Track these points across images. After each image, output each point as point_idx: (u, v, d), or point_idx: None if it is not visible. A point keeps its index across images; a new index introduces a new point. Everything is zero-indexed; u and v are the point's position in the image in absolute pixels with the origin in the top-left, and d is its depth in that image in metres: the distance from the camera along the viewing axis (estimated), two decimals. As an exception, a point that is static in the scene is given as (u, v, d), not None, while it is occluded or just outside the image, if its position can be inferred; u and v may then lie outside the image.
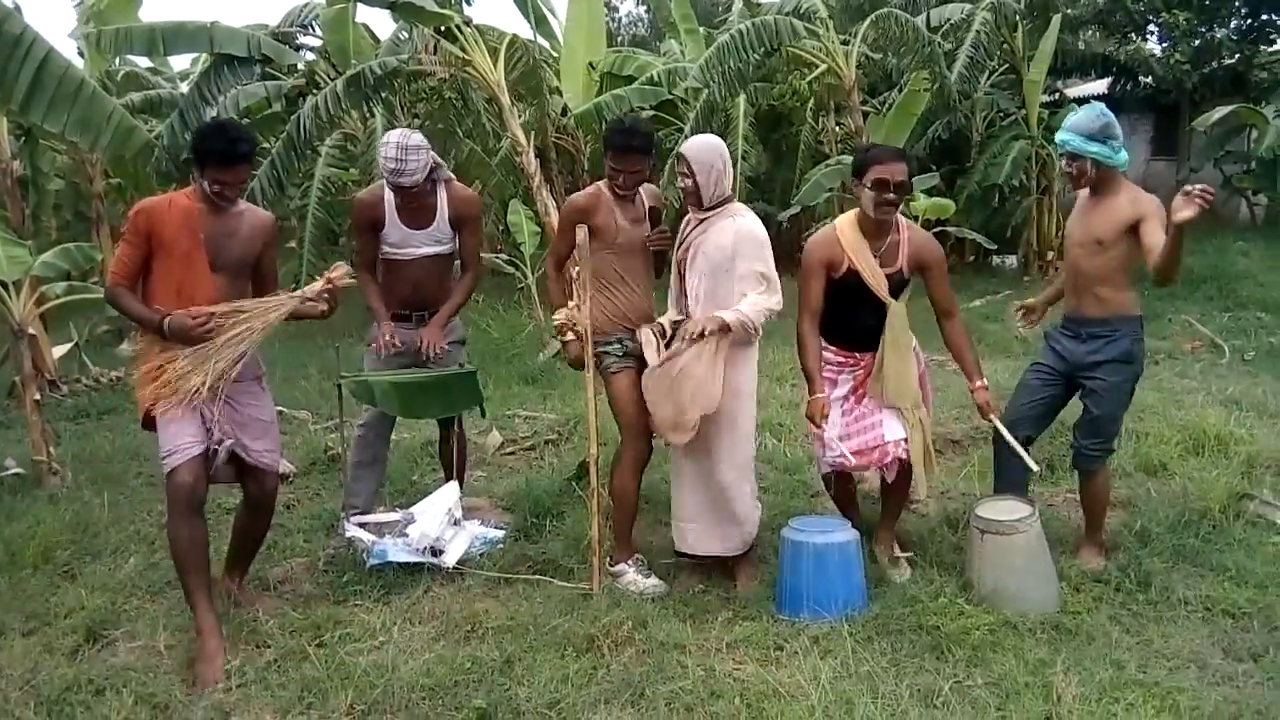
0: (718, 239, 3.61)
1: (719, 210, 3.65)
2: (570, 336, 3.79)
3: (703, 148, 3.67)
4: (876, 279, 3.66)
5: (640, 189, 3.89)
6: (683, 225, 3.78)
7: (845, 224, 3.73)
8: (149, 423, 3.46)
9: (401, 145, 3.84)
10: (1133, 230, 3.55)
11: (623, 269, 3.88)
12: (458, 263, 4.33)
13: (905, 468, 3.78)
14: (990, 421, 3.82)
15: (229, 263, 3.49)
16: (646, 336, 3.76)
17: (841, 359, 3.81)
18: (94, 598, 3.75)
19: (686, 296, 3.76)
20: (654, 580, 3.82)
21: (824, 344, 3.82)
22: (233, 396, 3.49)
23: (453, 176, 4.24)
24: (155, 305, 3.39)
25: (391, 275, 4.17)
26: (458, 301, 4.22)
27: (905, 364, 3.73)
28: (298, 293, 3.61)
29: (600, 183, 3.92)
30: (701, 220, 3.67)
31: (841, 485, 4.04)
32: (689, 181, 3.61)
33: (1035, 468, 3.70)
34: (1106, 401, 3.74)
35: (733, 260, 3.58)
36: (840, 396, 3.81)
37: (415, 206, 4.05)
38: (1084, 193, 3.77)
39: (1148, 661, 3.16)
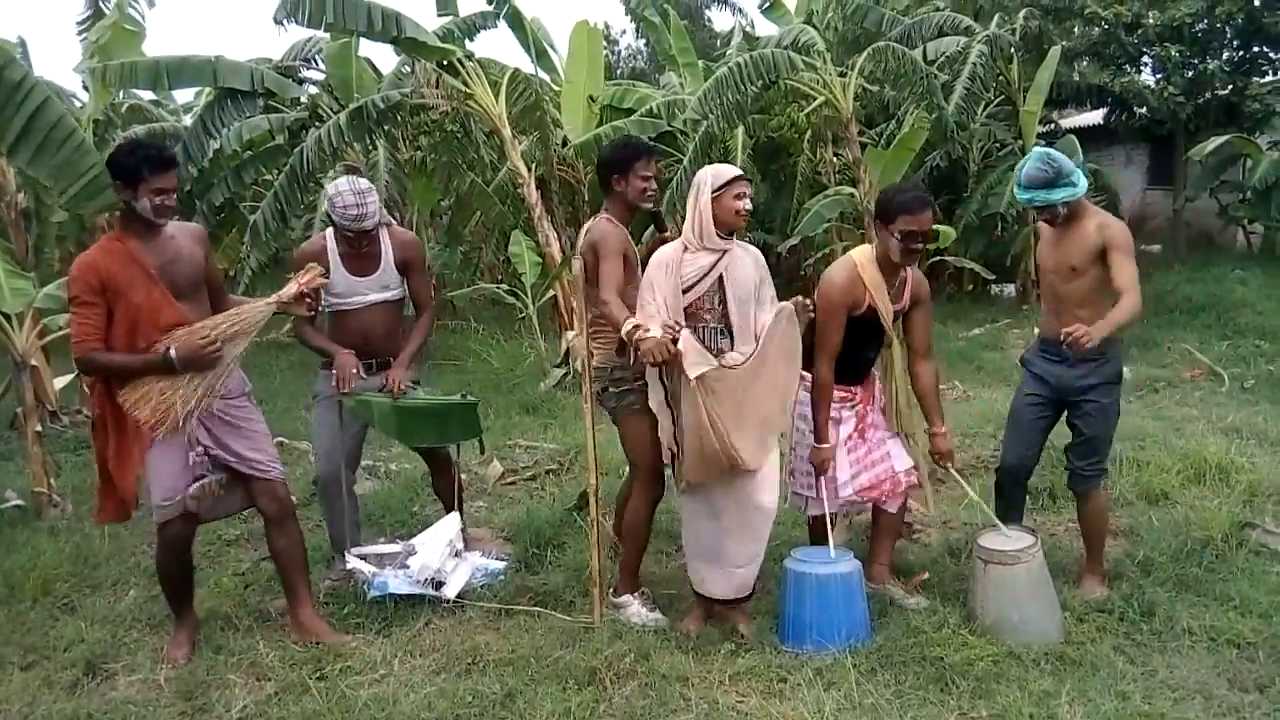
0: (744, 269, 3.56)
1: (732, 239, 3.59)
2: (652, 331, 3.38)
3: None
4: (888, 315, 3.70)
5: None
6: (677, 260, 3.53)
7: (864, 260, 3.69)
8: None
9: (357, 190, 3.89)
10: (1103, 256, 3.62)
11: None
12: (409, 310, 4.29)
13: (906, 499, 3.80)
14: (945, 468, 3.86)
15: (185, 285, 3.45)
16: (689, 341, 3.37)
17: (844, 394, 3.80)
18: (93, 630, 3.74)
19: (701, 331, 3.50)
20: (658, 614, 3.80)
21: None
22: (224, 412, 3.51)
23: (393, 221, 4.24)
24: (137, 352, 3.34)
25: (339, 327, 4.10)
26: (418, 342, 4.21)
27: (906, 393, 3.77)
28: (273, 297, 3.58)
29: (607, 215, 3.85)
30: (726, 250, 3.53)
31: (822, 528, 4.02)
32: (749, 203, 3.56)
33: (1000, 526, 3.71)
34: (1100, 423, 3.78)
35: (760, 287, 3.59)
36: (847, 435, 3.80)
37: (362, 254, 4.03)
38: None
39: (1153, 692, 3.14)
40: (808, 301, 3.58)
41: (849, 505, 3.84)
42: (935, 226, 9.52)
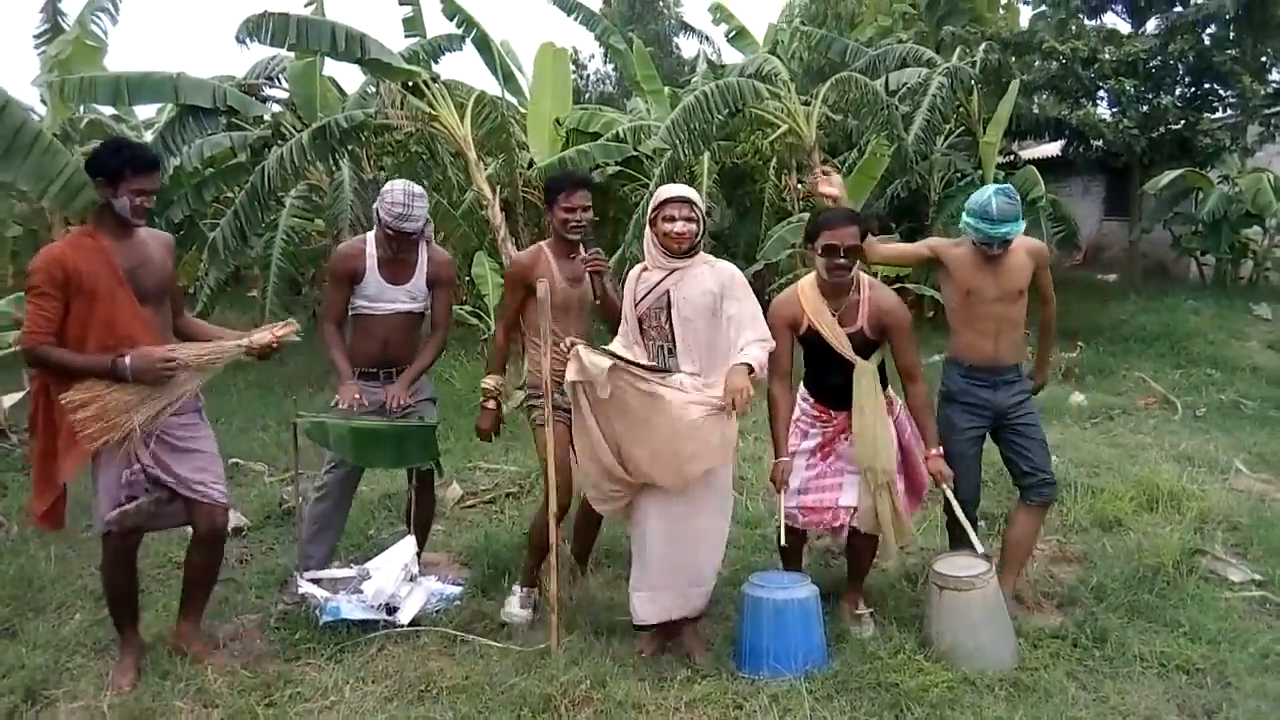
0: (700, 285, 3.55)
1: (694, 258, 3.61)
2: (490, 405, 4.03)
3: (694, 193, 3.66)
4: (837, 338, 3.69)
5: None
6: (636, 277, 3.68)
7: (806, 284, 3.77)
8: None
9: (408, 192, 4.00)
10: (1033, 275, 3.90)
11: (559, 327, 3.90)
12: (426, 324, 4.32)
13: (861, 534, 3.78)
14: (943, 490, 3.82)
15: (151, 292, 3.41)
16: (582, 352, 3.45)
17: (817, 413, 3.82)
18: (34, 656, 3.64)
19: (649, 348, 3.62)
20: (526, 614, 3.96)
21: (805, 394, 3.87)
22: (169, 430, 3.43)
23: (432, 238, 4.29)
24: (87, 352, 3.27)
25: (362, 331, 4.17)
26: (426, 360, 4.23)
27: (876, 426, 3.68)
28: (244, 342, 3.56)
29: (542, 243, 4.06)
30: (674, 270, 3.60)
31: (791, 540, 4.02)
32: (693, 225, 3.55)
33: (981, 548, 3.71)
34: (1038, 429, 3.96)
35: (720, 303, 3.55)
36: (807, 449, 3.81)
37: (399, 260, 4.10)
38: (968, 250, 3.86)
39: (1105, 718, 3.17)
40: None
41: (791, 518, 3.79)
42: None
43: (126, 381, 3.27)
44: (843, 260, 3.62)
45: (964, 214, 3.83)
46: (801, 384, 3.91)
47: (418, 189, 4.07)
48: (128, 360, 3.25)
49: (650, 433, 3.41)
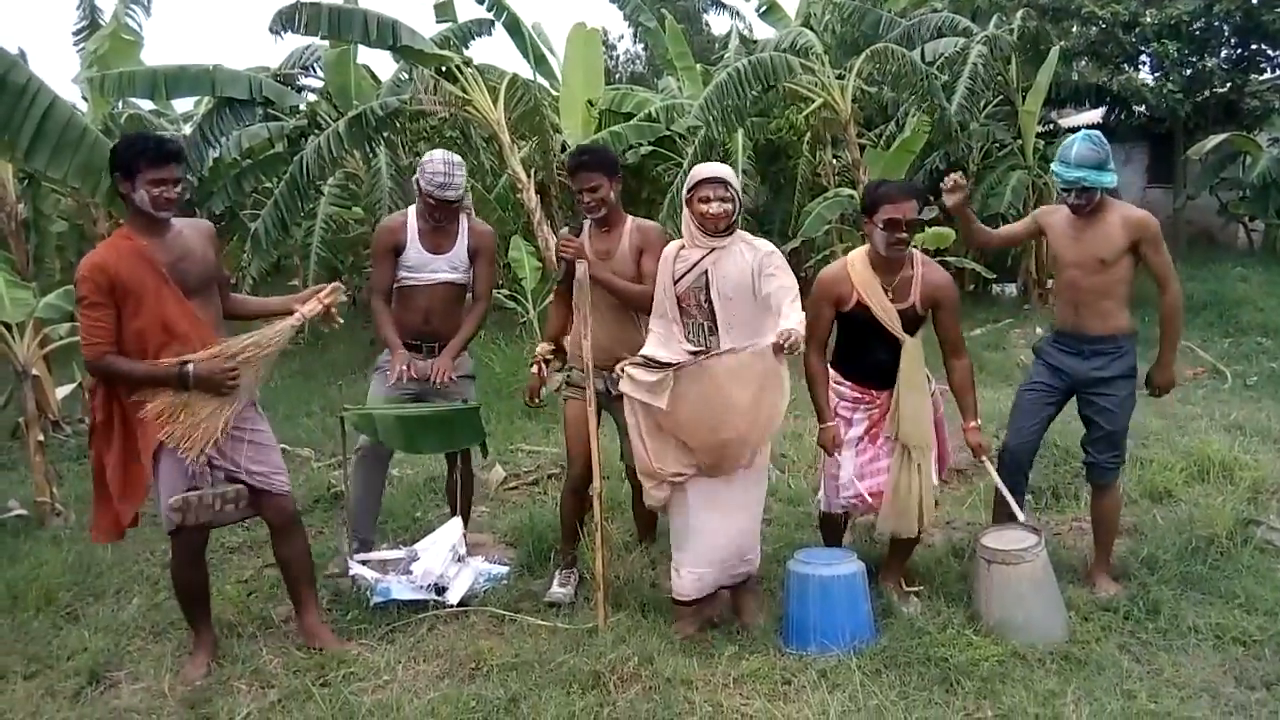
0: (739, 263, 3.54)
1: (733, 236, 3.59)
2: (534, 368, 4.14)
3: (730, 171, 3.64)
4: (888, 314, 3.63)
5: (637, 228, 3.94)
6: (674, 255, 3.66)
7: (857, 258, 3.70)
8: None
9: (448, 160, 4.09)
10: (1133, 248, 3.68)
11: (583, 302, 3.93)
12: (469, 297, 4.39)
13: None
14: (982, 462, 3.83)
15: (197, 284, 3.38)
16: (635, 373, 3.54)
17: (857, 394, 3.76)
18: (97, 639, 3.73)
19: (688, 326, 3.62)
20: (565, 590, 4.00)
21: (839, 378, 3.80)
22: (233, 425, 3.45)
23: (472, 210, 4.34)
24: (146, 357, 3.26)
25: (405, 304, 4.23)
26: (468, 332, 4.28)
27: (921, 402, 3.68)
28: (296, 316, 3.56)
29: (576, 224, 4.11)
30: (713, 249, 3.57)
31: (834, 524, 4.02)
32: (729, 205, 3.52)
33: (1022, 517, 3.69)
34: (1119, 416, 3.81)
35: (759, 280, 3.53)
36: (855, 437, 3.77)
37: (440, 229, 4.17)
38: (1065, 214, 3.79)
39: (1159, 691, 3.13)
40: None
41: (851, 506, 3.80)
42: (939, 228, 9.59)
43: (190, 388, 3.27)
44: (904, 234, 3.57)
45: (1055, 159, 3.80)
46: (831, 368, 3.84)
47: (456, 158, 4.13)
48: (191, 369, 3.24)
49: (714, 412, 3.43)
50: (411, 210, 4.26)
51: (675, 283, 3.64)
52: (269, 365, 3.54)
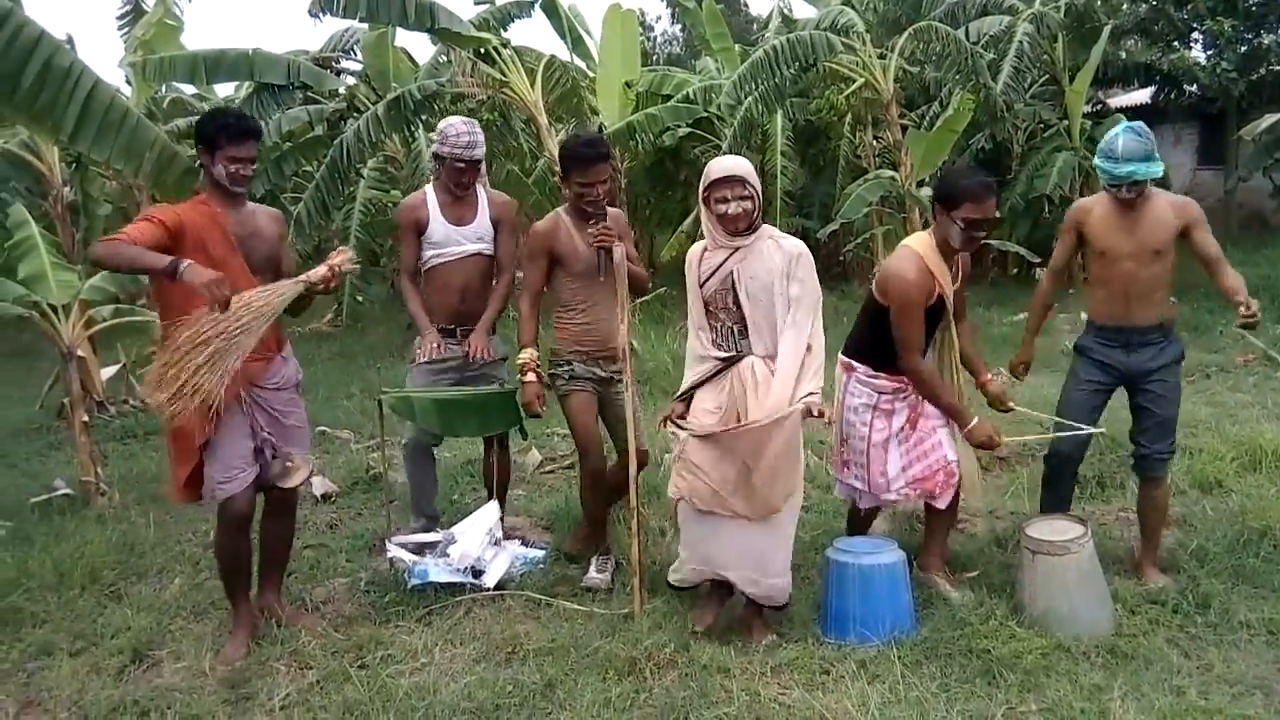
0: (765, 262, 3.40)
1: (756, 233, 3.45)
2: (530, 378, 3.90)
3: (747, 166, 3.47)
4: (951, 297, 3.62)
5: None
6: (698, 258, 3.53)
7: (927, 250, 3.57)
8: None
9: (468, 121, 4.20)
10: (1181, 236, 3.63)
11: (583, 294, 3.93)
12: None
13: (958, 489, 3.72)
14: (1010, 409, 3.80)
15: (260, 264, 3.49)
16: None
17: (897, 384, 3.68)
18: (140, 618, 3.78)
19: (717, 331, 3.52)
20: (604, 576, 3.97)
21: (873, 372, 3.69)
22: (276, 405, 3.53)
23: (487, 180, 4.35)
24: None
25: (435, 284, 4.21)
26: (497, 306, 4.28)
27: (961, 379, 3.73)
28: (302, 277, 3.51)
29: (559, 209, 4.01)
30: (737, 248, 3.43)
31: (863, 515, 3.97)
32: (748, 204, 3.37)
33: (1100, 430, 3.73)
34: (1170, 403, 3.74)
35: (784, 280, 3.39)
36: (899, 427, 3.70)
37: (462, 201, 4.19)
38: (1106, 207, 3.69)
39: (1209, 687, 3.05)
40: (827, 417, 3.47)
41: (902, 499, 3.75)
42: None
43: (172, 280, 3.07)
44: (983, 233, 3.52)
45: (1095, 155, 3.71)
46: (861, 364, 3.72)
47: (471, 120, 4.24)
48: (182, 266, 3.04)
49: (743, 469, 3.34)
50: (429, 187, 4.28)
51: (701, 286, 3.51)
52: (267, 319, 3.35)
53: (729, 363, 3.48)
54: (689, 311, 3.63)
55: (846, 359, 3.80)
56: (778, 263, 3.41)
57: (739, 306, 3.45)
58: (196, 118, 11.05)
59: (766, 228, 3.51)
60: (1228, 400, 6.40)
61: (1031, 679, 3.10)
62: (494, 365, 4.24)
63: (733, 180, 3.37)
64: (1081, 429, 3.66)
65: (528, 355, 3.92)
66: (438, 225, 4.17)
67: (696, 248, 3.58)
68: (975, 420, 3.62)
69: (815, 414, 3.32)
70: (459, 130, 4.11)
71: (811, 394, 3.34)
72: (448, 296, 4.19)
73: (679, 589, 3.66)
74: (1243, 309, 3.44)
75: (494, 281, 4.33)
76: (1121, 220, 3.65)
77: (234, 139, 3.36)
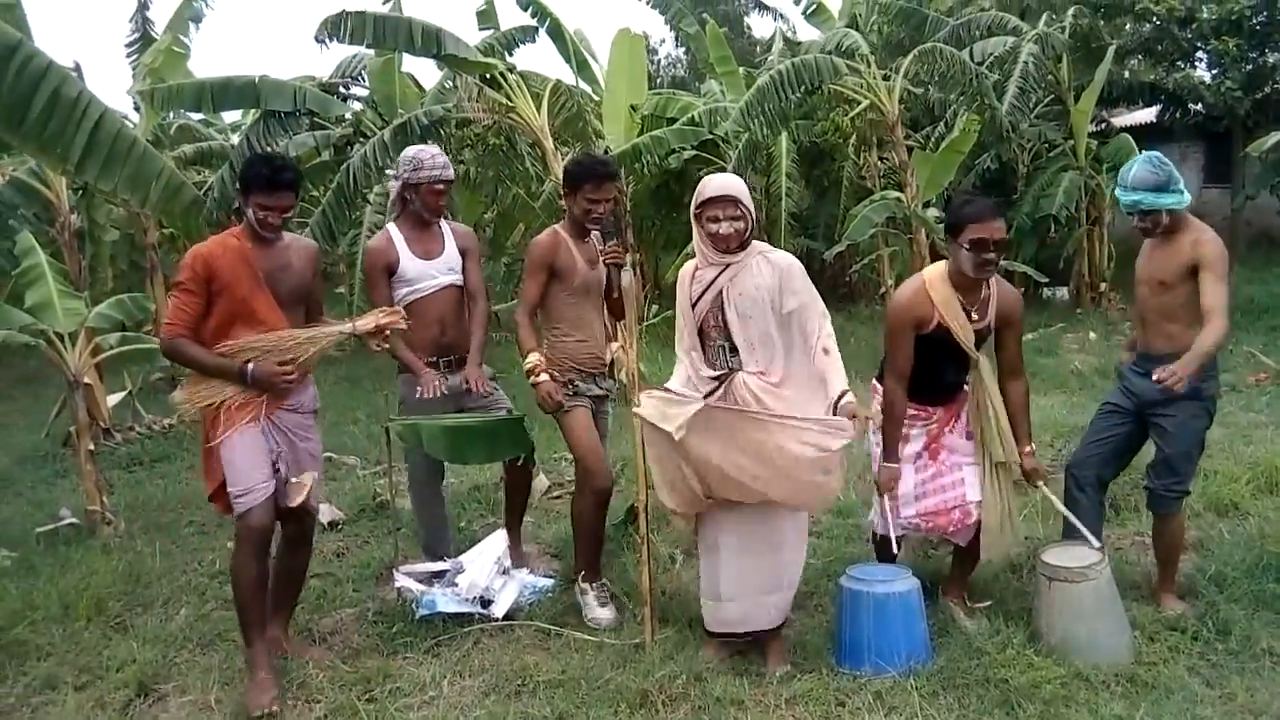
0: (755, 279, 3.37)
1: (746, 250, 3.42)
2: (543, 378, 3.82)
3: (740, 185, 3.43)
4: (965, 333, 3.51)
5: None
6: (690, 277, 3.49)
7: (935, 278, 3.55)
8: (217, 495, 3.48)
9: (431, 150, 4.19)
10: (1194, 272, 3.50)
11: (578, 311, 3.94)
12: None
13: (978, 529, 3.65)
14: (1039, 488, 3.71)
15: (287, 295, 3.54)
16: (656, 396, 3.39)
17: (917, 412, 3.64)
18: (145, 650, 3.74)
19: (709, 351, 3.47)
20: (608, 612, 3.84)
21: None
22: (292, 429, 3.54)
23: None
24: (229, 342, 3.41)
25: (415, 319, 4.03)
26: (481, 335, 4.27)
27: (1001, 418, 3.58)
28: (349, 324, 3.60)
29: (558, 225, 4.03)
30: (727, 265, 3.40)
31: (889, 543, 3.91)
32: (740, 224, 3.35)
33: (1096, 543, 3.53)
34: (1178, 439, 3.62)
35: (780, 296, 3.36)
36: (913, 453, 3.66)
37: (428, 233, 4.19)
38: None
39: (1232, 717, 3.00)
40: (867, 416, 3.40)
41: (913, 528, 3.70)
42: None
43: (245, 386, 3.41)
44: (992, 255, 3.42)
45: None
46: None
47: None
48: (251, 369, 3.38)
49: (744, 458, 3.22)
50: (390, 227, 4.22)
51: (693, 306, 3.47)
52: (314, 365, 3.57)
53: (721, 381, 3.43)
54: (678, 334, 3.56)
55: (875, 383, 3.80)
56: (768, 278, 3.38)
57: (727, 324, 3.41)
58: (204, 144, 11.11)
59: (756, 244, 3.47)
60: (1240, 420, 6.34)
61: (1050, 709, 3.04)
62: (489, 396, 4.21)
63: (726, 200, 3.34)
64: (1088, 539, 3.53)
65: (535, 358, 3.84)
66: (409, 262, 4.12)
67: (688, 266, 3.54)
68: (893, 465, 3.58)
69: (851, 416, 3.21)
70: (432, 153, 4.13)
71: (844, 394, 3.26)
72: (427, 331, 4.10)
73: (719, 636, 3.54)
74: (1160, 373, 3.31)
75: (467, 312, 4.30)
76: (1148, 247, 3.67)
77: (264, 189, 3.42)
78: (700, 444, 3.22)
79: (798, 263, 3.46)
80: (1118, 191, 3.61)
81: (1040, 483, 3.67)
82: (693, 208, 3.45)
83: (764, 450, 3.19)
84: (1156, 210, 3.51)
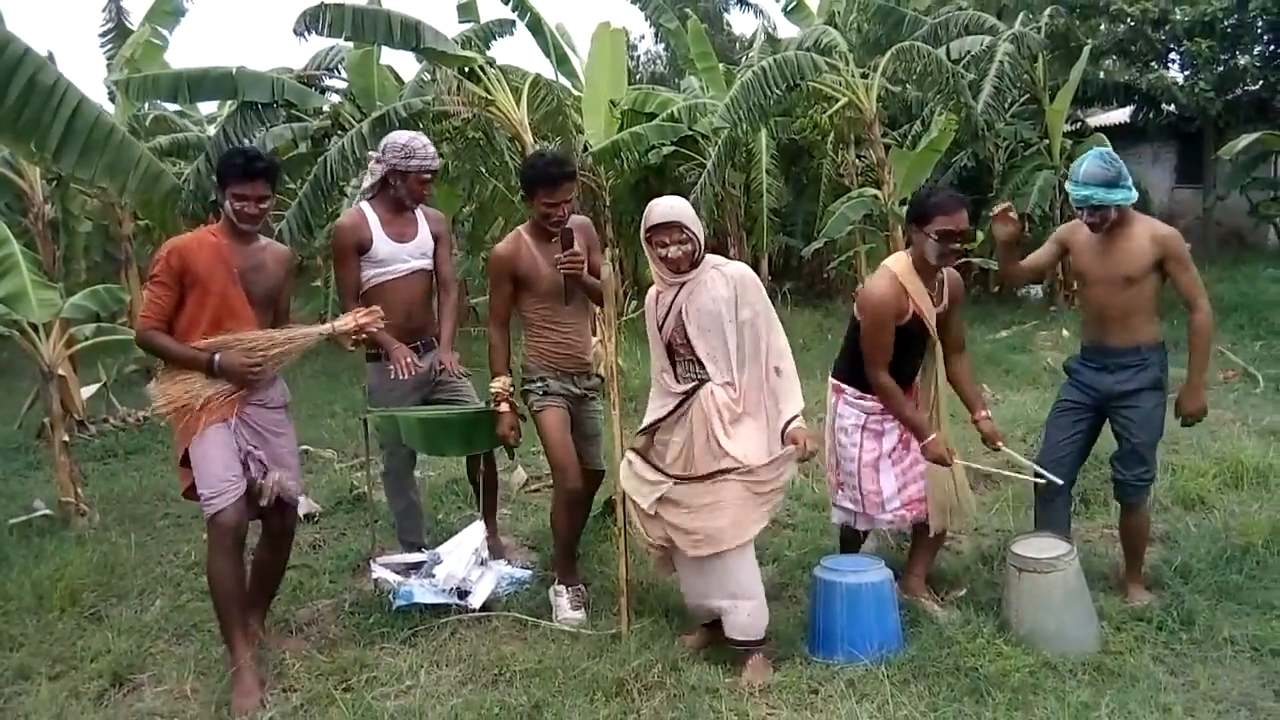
0: (711, 292, 3.40)
1: (699, 268, 3.44)
2: (504, 407, 3.87)
3: (685, 209, 3.41)
4: (931, 319, 3.64)
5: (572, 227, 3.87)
6: (654, 300, 3.52)
7: (903, 270, 3.62)
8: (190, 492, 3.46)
9: (422, 139, 4.17)
10: (1159, 266, 3.60)
11: (548, 312, 3.91)
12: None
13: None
14: (998, 450, 3.81)
15: (260, 296, 3.54)
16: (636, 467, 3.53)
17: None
18: (120, 641, 3.73)
19: (679, 366, 3.50)
20: (580, 615, 3.83)
21: (860, 393, 3.73)
22: (264, 426, 3.52)
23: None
24: (195, 338, 3.41)
25: (382, 302, 3.99)
26: (453, 321, 4.29)
27: (942, 399, 3.75)
28: (328, 326, 3.63)
29: (520, 229, 3.98)
30: (683, 284, 3.42)
31: (855, 535, 3.97)
32: (688, 247, 3.36)
33: (1059, 481, 3.67)
34: (1144, 430, 3.70)
35: (734, 307, 3.40)
36: (889, 448, 3.72)
37: (404, 217, 4.18)
38: (1089, 229, 3.69)
39: (1195, 704, 3.06)
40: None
41: (898, 521, 3.76)
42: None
43: (211, 376, 3.41)
44: (957, 245, 3.57)
45: None
46: (849, 386, 3.77)
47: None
48: (217, 359, 3.38)
49: (698, 521, 3.35)
50: (364, 205, 4.19)
51: (660, 328, 3.50)
52: (285, 364, 3.58)
53: (690, 394, 3.45)
54: (651, 355, 3.59)
55: (836, 381, 3.83)
56: (723, 290, 3.40)
57: (690, 340, 3.44)
58: (179, 135, 11.03)
59: (710, 258, 3.49)
60: (1209, 417, 6.36)
61: (1019, 697, 3.09)
62: (460, 380, 4.24)
63: (670, 226, 3.36)
64: (1047, 477, 3.67)
65: (500, 385, 3.87)
66: (382, 243, 4.10)
67: (653, 290, 3.56)
68: (932, 436, 3.64)
69: (801, 448, 3.28)
70: (423, 142, 4.13)
71: (793, 419, 3.33)
72: (394, 315, 4.00)
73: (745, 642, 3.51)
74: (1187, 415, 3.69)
75: (436, 298, 4.31)
76: (1099, 245, 3.67)
77: (239, 178, 3.42)
78: (667, 512, 3.41)
79: (751, 273, 3.50)
80: (1069, 186, 3.66)
81: (999, 444, 3.79)
82: (642, 233, 3.47)
83: (719, 505, 3.33)
84: (1106, 206, 3.55)
